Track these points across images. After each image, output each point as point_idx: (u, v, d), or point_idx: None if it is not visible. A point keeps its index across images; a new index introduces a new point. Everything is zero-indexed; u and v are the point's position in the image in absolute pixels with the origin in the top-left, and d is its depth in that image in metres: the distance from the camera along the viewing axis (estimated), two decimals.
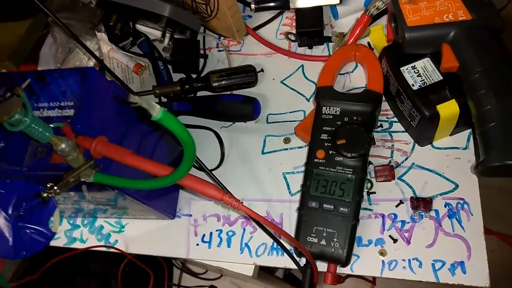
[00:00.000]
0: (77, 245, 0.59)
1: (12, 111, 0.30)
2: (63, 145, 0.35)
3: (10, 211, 0.35)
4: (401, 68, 0.52)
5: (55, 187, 0.35)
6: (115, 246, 0.57)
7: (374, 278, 1.08)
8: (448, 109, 0.48)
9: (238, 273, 0.55)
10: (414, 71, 0.51)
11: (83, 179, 0.36)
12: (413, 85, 0.50)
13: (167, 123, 0.25)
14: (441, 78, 0.50)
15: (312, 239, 0.48)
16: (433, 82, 0.50)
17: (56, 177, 0.36)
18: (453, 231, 0.50)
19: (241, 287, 1.30)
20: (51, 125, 0.34)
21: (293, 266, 0.51)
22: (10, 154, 0.37)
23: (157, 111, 0.24)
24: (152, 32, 0.70)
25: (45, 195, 0.35)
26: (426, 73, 0.51)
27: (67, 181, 0.35)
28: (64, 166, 0.37)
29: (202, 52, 0.67)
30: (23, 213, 0.35)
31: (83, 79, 0.39)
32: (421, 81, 0.50)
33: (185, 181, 0.34)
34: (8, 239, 0.35)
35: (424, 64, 0.51)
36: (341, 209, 0.49)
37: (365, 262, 0.50)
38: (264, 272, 0.82)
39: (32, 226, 0.35)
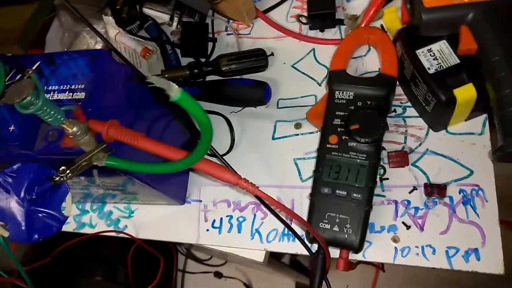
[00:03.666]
0: (87, 230, 0.59)
1: (24, 93, 0.29)
2: (75, 128, 0.34)
3: (22, 195, 0.34)
4: (417, 51, 0.50)
5: (67, 171, 0.35)
6: (124, 231, 0.57)
7: (382, 264, 1.09)
8: (465, 93, 0.47)
9: (248, 259, 0.55)
10: (430, 54, 0.50)
11: (95, 163, 0.35)
12: (429, 68, 0.49)
13: (185, 104, 0.24)
14: (458, 61, 0.49)
15: (324, 225, 0.48)
16: (450, 65, 0.49)
17: (68, 161, 0.35)
18: (468, 218, 0.49)
19: (246, 273, 1.31)
20: (62, 108, 0.33)
21: (304, 252, 0.50)
22: (21, 137, 0.37)
23: (175, 92, 0.23)
24: (160, 15, 0.68)
25: (57, 178, 0.35)
26: (442, 56, 0.49)
27: (79, 164, 0.35)
28: (75, 150, 0.37)
29: (210, 36, 0.65)
30: (35, 196, 0.34)
31: (94, 61, 0.38)
32: (437, 64, 0.49)
33: (200, 165, 0.33)
34: (21, 222, 0.34)
35: (441, 46, 0.50)
36: (354, 195, 0.48)
37: (377, 249, 0.50)
38: (271, 258, 0.82)
39: (45, 210, 0.35)
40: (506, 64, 0.43)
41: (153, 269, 0.84)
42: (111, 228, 0.58)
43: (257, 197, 0.51)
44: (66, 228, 0.59)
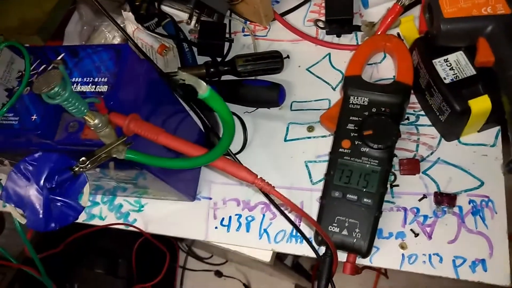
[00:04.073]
0: (96, 221, 0.60)
1: (52, 84, 0.30)
2: (96, 121, 0.35)
3: (42, 183, 0.35)
4: (433, 61, 0.51)
5: (87, 162, 0.35)
6: (134, 225, 0.58)
7: (386, 270, 1.08)
8: (480, 105, 0.47)
9: (255, 259, 0.55)
10: (447, 64, 0.50)
11: (114, 155, 0.36)
12: (445, 78, 0.49)
13: (213, 102, 0.25)
14: (475, 72, 0.49)
15: (333, 229, 0.48)
16: (466, 76, 0.49)
17: (88, 152, 0.36)
18: (476, 228, 0.49)
19: (246, 274, 1.31)
20: (86, 100, 0.34)
21: (311, 254, 0.51)
22: (41, 127, 0.37)
23: (204, 89, 0.24)
24: (177, 13, 0.69)
25: (76, 169, 0.36)
26: (459, 67, 0.50)
27: (99, 156, 0.36)
28: (95, 142, 0.37)
29: (227, 36, 0.66)
30: (54, 185, 0.35)
31: (118, 55, 0.38)
32: (453, 74, 0.49)
33: (218, 163, 0.34)
34: (39, 211, 0.35)
35: (457, 57, 0.50)
36: (365, 200, 0.48)
37: (384, 255, 0.50)
38: (274, 259, 0.82)
39: (63, 199, 0.35)
40: None
41: (155, 264, 0.84)
42: (121, 221, 0.58)
43: (267, 197, 0.51)
44: None
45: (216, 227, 0.55)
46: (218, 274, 1.33)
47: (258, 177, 0.35)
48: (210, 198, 0.57)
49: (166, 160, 0.36)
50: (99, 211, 0.60)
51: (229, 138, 0.30)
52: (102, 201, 0.60)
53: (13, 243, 0.77)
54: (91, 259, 1.04)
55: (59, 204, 0.36)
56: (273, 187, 0.36)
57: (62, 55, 0.40)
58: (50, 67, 0.37)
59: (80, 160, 0.35)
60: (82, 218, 0.60)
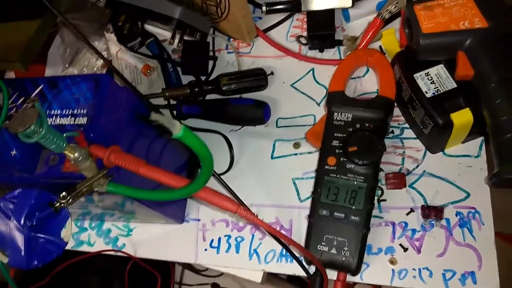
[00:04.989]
0: (85, 248, 0.59)
1: (28, 123, 0.29)
2: (76, 154, 0.34)
3: (22, 221, 0.34)
4: (415, 75, 0.51)
5: (68, 197, 0.35)
6: (122, 250, 0.57)
7: (380, 286, 1.08)
8: (462, 118, 0.48)
9: (246, 279, 0.55)
10: (428, 78, 0.51)
11: (96, 189, 0.36)
12: (426, 92, 0.50)
13: (187, 140, 0.24)
14: (455, 85, 0.50)
15: (322, 248, 0.48)
16: (447, 89, 0.50)
17: (69, 186, 0.35)
18: (464, 241, 0.49)
19: (243, 285, 1.30)
20: (65, 134, 0.34)
21: (302, 273, 0.51)
22: (22, 161, 0.37)
23: (177, 129, 0.24)
24: (161, 32, 0.69)
25: (58, 204, 0.35)
26: (440, 80, 0.50)
27: (80, 190, 0.35)
28: (76, 175, 0.37)
29: (211, 53, 0.66)
30: (35, 223, 0.34)
31: (96, 86, 0.38)
32: (434, 88, 0.50)
33: (200, 193, 0.33)
34: (21, 248, 0.35)
35: (438, 71, 0.51)
36: (352, 217, 0.48)
37: (375, 271, 0.50)
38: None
39: (45, 236, 0.35)
40: (503, 91, 0.44)
41: (150, 284, 0.84)
42: (109, 246, 0.58)
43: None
44: None
45: (205, 249, 0.55)
46: (215, 286, 1.32)
47: (241, 206, 0.35)
48: (199, 220, 0.57)
49: (147, 192, 0.35)
50: (87, 237, 0.59)
51: (208, 172, 0.30)
52: (90, 226, 0.60)
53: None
54: (86, 279, 1.02)
55: (41, 241, 0.35)
56: (256, 215, 0.35)
57: (41, 87, 0.39)
58: (25, 105, 0.37)
59: (61, 195, 0.35)
60: (70, 245, 0.59)
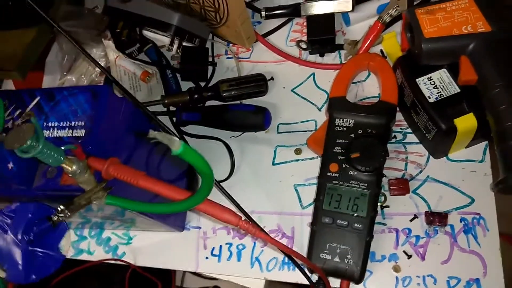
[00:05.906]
0: (84, 256, 0.58)
1: (24, 138, 0.29)
2: (74, 167, 0.34)
3: (20, 236, 0.34)
4: (417, 80, 0.50)
5: (66, 211, 0.34)
6: (122, 259, 0.57)
7: None
8: (466, 123, 0.47)
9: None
10: (431, 83, 0.50)
11: (94, 202, 0.35)
12: (429, 97, 0.49)
13: (187, 157, 0.24)
14: (459, 90, 0.49)
15: (325, 256, 0.48)
16: (450, 94, 0.49)
17: (67, 200, 0.35)
18: (469, 247, 0.49)
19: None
20: (62, 147, 0.33)
21: (305, 281, 0.50)
22: (19, 175, 0.36)
23: (177, 146, 0.23)
24: (160, 38, 0.68)
25: (55, 218, 0.35)
26: (443, 85, 0.49)
27: (79, 204, 0.35)
28: (74, 187, 0.36)
29: (210, 59, 0.65)
30: (33, 238, 0.34)
31: (94, 97, 0.37)
32: (437, 93, 0.49)
33: (200, 206, 0.33)
34: (18, 263, 0.34)
35: (441, 75, 0.50)
36: (355, 225, 0.48)
37: (378, 278, 0.49)
38: None
39: (42, 250, 0.34)
40: (507, 97, 0.43)
41: None
42: (109, 255, 0.57)
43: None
44: None
45: (206, 257, 0.54)
46: None
47: (243, 219, 0.34)
48: (200, 228, 0.56)
49: (147, 205, 0.35)
50: (87, 245, 0.59)
51: (208, 187, 0.29)
52: (90, 235, 0.59)
53: None
54: (87, 283, 1.02)
55: (39, 255, 0.35)
56: (259, 228, 0.35)
57: (38, 99, 0.39)
58: (20, 120, 0.36)
59: (58, 209, 0.34)
60: (70, 254, 0.59)
